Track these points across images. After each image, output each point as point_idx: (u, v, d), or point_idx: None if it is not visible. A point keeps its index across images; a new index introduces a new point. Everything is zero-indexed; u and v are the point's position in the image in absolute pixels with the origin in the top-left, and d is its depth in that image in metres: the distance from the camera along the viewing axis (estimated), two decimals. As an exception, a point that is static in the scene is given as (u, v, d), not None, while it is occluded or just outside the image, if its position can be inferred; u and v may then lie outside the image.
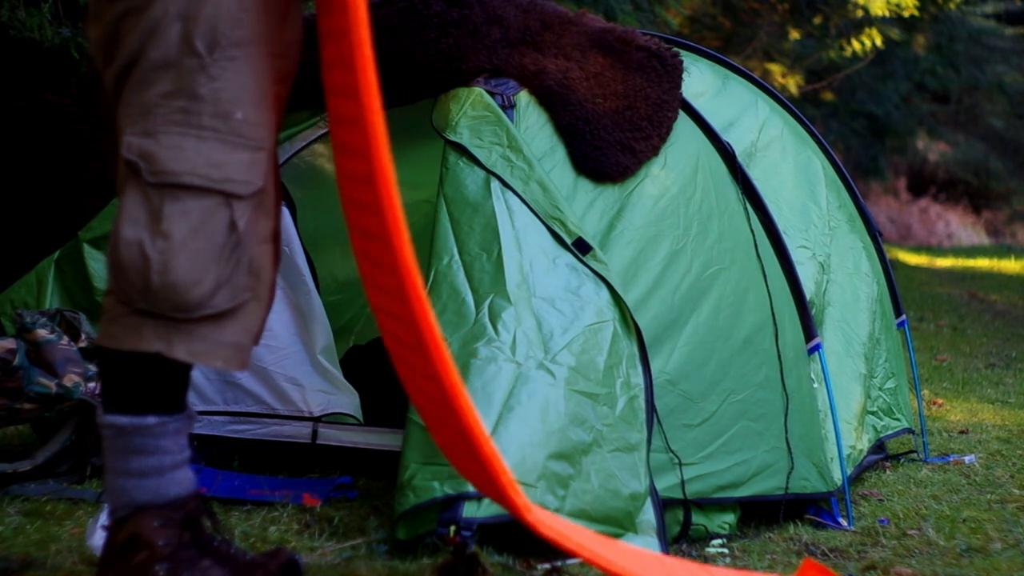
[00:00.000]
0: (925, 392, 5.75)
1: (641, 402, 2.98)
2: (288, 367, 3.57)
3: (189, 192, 2.11)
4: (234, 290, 2.15)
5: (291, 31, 2.26)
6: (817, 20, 11.35)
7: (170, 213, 2.10)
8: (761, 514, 3.35)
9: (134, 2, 2.16)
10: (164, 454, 2.20)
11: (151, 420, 2.19)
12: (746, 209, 3.56)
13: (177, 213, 2.10)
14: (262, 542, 2.86)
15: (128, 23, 2.17)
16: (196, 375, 2.33)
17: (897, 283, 4.60)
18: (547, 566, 2.70)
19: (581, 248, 3.05)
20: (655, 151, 3.40)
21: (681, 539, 3.12)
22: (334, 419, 3.57)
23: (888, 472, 4.11)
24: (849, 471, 3.62)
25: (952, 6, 12.96)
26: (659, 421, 3.06)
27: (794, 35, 11.71)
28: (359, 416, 3.58)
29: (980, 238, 22.23)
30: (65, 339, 3.41)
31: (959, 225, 22.48)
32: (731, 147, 3.63)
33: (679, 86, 3.54)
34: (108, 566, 2.24)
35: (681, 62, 3.57)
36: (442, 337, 2.02)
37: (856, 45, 11.76)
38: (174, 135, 2.12)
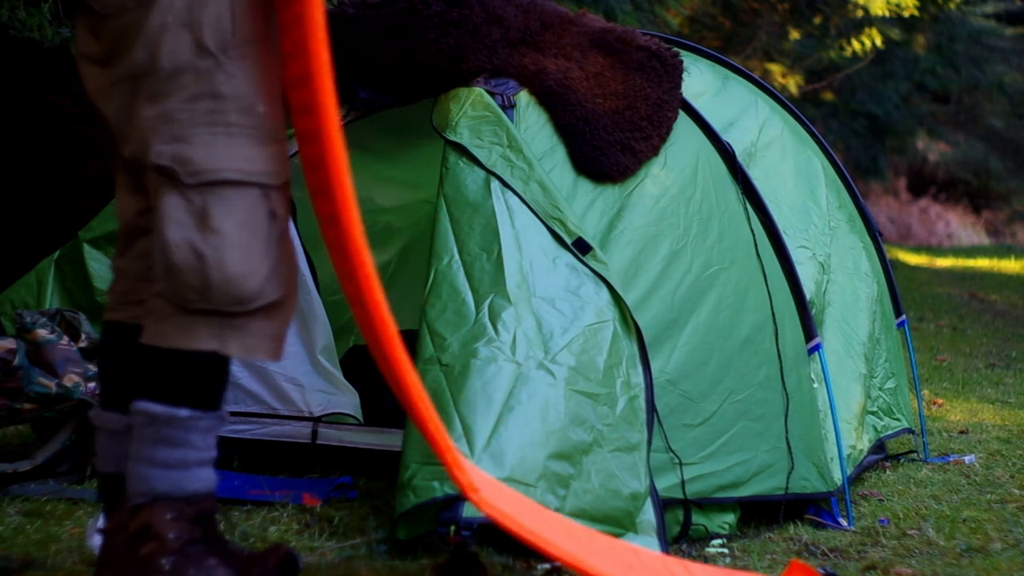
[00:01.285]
0: (925, 392, 5.74)
1: (641, 402, 2.98)
2: (288, 367, 3.57)
3: (230, 187, 2.14)
4: (280, 280, 2.19)
5: None
6: (817, 20, 11.35)
7: (216, 210, 2.13)
8: (761, 514, 3.35)
9: (128, 18, 2.18)
10: (191, 448, 2.21)
11: (184, 412, 2.20)
12: (746, 209, 3.56)
13: (222, 209, 2.14)
14: (262, 542, 2.86)
15: (127, 37, 2.19)
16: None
17: (897, 283, 4.60)
18: (547, 566, 2.70)
19: (581, 248, 3.05)
20: (655, 151, 3.40)
21: (681, 539, 3.12)
22: (334, 419, 3.57)
23: (888, 472, 4.11)
24: (849, 471, 3.62)
25: (952, 6, 12.96)
26: (659, 421, 3.06)
27: (794, 35, 11.71)
28: (359, 416, 3.59)
29: (980, 238, 22.22)
30: (65, 339, 3.41)
31: (959, 225, 22.47)
32: (731, 147, 3.63)
33: (679, 86, 3.54)
34: (115, 557, 2.25)
35: (681, 62, 3.57)
36: (393, 323, 2.13)
37: (856, 45, 11.76)
38: (204, 135, 2.15)
